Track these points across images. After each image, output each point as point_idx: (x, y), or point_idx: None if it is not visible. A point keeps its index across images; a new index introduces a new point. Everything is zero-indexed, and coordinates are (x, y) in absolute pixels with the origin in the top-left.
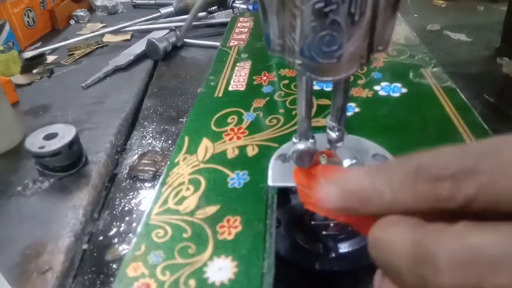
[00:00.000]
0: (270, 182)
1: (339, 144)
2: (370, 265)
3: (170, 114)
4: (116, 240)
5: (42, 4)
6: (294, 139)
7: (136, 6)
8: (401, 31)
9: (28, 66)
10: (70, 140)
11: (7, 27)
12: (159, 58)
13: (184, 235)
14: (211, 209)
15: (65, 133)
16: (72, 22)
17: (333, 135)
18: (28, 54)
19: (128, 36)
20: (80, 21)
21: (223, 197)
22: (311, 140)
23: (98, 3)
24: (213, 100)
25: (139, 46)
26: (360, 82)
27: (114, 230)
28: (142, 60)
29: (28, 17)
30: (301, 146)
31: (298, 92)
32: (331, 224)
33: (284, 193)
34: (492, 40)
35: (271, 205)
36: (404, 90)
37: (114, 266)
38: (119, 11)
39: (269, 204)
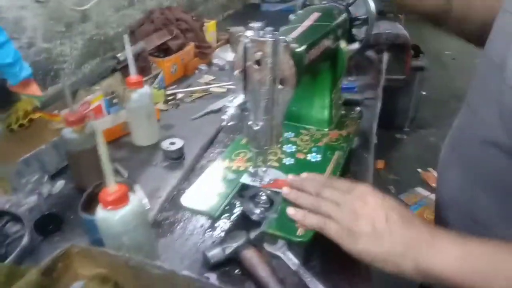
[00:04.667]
0: (241, 179)
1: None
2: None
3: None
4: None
5: (182, 60)
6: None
7: None
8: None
9: (167, 99)
10: (180, 147)
11: (161, 74)
12: None
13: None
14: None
15: (179, 142)
16: (196, 71)
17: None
18: (168, 91)
19: (224, 90)
20: (201, 72)
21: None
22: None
23: (214, 61)
24: (239, 144)
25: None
26: (304, 151)
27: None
28: None
29: (173, 68)
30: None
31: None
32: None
33: (246, 186)
34: None
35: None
36: (319, 158)
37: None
38: (226, 68)
39: (238, 185)
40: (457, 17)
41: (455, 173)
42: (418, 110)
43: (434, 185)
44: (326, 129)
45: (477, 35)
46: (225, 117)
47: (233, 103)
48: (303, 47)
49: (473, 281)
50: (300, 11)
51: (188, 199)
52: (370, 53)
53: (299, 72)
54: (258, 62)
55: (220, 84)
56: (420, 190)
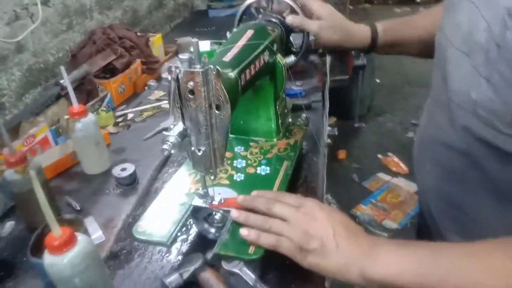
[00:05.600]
0: (192, 202)
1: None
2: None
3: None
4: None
5: (130, 79)
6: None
7: None
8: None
9: (117, 121)
10: (131, 172)
11: (108, 95)
12: None
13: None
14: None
15: (130, 168)
16: (146, 88)
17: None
18: (118, 113)
19: None
20: (151, 88)
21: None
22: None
23: (164, 75)
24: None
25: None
26: (254, 165)
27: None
28: None
29: (121, 87)
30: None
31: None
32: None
33: (198, 208)
34: None
35: (192, 210)
36: (268, 171)
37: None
38: None
39: (190, 208)
40: (387, 44)
41: (428, 167)
42: (374, 98)
43: (394, 169)
44: (275, 139)
45: (414, 52)
46: (166, 146)
47: (173, 132)
48: (235, 71)
49: (411, 284)
50: (235, 30)
51: (139, 230)
52: (314, 58)
53: (234, 95)
54: (192, 92)
55: None
56: (382, 175)
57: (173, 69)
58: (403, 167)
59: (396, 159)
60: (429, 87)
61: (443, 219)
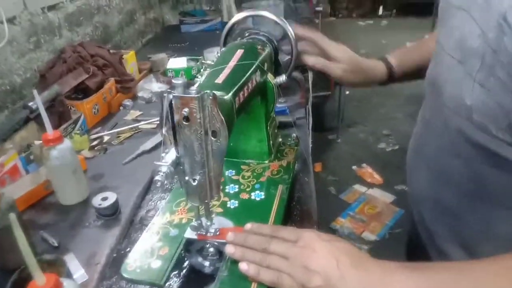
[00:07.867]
0: (185, 235)
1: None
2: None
3: (170, 187)
4: (130, 252)
5: (105, 99)
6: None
7: None
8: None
9: (92, 145)
10: (113, 202)
11: (82, 117)
12: None
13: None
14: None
15: (111, 197)
16: (121, 108)
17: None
18: (93, 136)
19: (154, 126)
20: (126, 108)
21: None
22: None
23: (139, 94)
24: (178, 193)
25: (160, 136)
26: (247, 190)
27: (129, 248)
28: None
29: (95, 108)
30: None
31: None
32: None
33: (191, 240)
34: None
35: (184, 243)
36: (263, 196)
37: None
38: (153, 101)
39: (183, 242)
40: (403, 74)
41: (421, 173)
42: (345, 110)
43: (369, 180)
44: (266, 161)
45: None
46: (158, 177)
47: (165, 161)
48: (230, 94)
49: None
50: (223, 49)
51: (128, 269)
52: (296, 74)
53: (231, 120)
54: (186, 118)
55: (149, 120)
56: (358, 187)
57: (165, 94)
58: (378, 178)
59: (370, 170)
60: (396, 98)
61: (437, 227)
